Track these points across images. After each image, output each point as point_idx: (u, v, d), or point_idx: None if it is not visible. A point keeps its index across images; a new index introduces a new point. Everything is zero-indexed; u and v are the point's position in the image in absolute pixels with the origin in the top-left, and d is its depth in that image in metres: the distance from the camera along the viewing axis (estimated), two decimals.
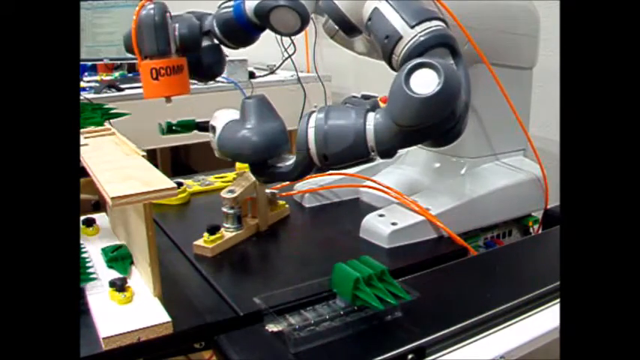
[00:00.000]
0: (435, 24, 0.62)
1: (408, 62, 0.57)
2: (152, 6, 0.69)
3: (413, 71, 0.56)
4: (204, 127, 0.75)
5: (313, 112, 0.62)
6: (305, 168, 0.63)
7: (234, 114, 0.68)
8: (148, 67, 0.70)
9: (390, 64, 0.65)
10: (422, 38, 0.61)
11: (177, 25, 0.72)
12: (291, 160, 0.65)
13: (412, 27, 0.61)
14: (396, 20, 0.62)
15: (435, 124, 0.57)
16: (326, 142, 0.59)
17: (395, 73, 0.59)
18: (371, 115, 0.60)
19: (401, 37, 0.62)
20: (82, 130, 0.78)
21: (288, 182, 0.86)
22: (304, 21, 0.70)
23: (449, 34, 0.62)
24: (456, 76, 0.56)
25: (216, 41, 0.79)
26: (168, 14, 0.70)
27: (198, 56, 0.76)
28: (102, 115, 0.87)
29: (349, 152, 0.60)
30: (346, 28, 0.68)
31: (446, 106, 0.56)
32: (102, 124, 0.81)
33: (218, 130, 0.68)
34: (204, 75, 0.80)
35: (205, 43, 0.77)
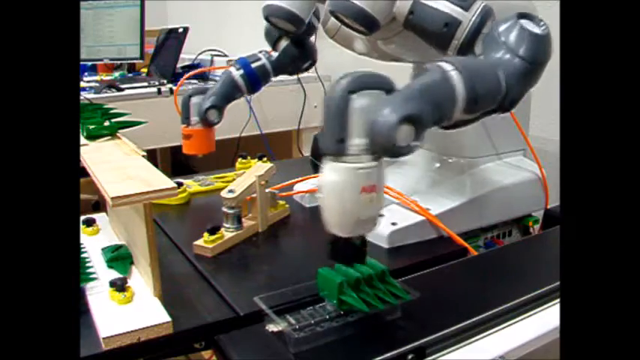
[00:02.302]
0: (480, 1, 0.65)
1: (508, 17, 0.63)
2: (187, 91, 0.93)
3: (520, 19, 0.62)
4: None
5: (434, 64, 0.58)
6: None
7: None
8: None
9: (444, 50, 0.66)
10: (479, 18, 0.64)
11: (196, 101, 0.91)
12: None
13: (467, 10, 0.64)
14: (448, 7, 0.64)
15: (546, 60, 0.62)
16: (474, 83, 0.56)
17: (409, 70, 0.61)
18: (494, 60, 0.62)
19: (459, 22, 0.64)
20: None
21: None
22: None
23: (491, 8, 0.66)
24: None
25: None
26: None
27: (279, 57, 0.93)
28: (102, 115, 0.87)
29: (492, 95, 0.59)
30: (368, 24, 0.68)
31: (550, 46, 0.62)
32: (102, 124, 0.81)
33: None
34: (292, 71, 0.98)
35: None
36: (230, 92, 0.92)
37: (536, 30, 0.61)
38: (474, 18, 0.64)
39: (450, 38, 0.65)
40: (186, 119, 0.93)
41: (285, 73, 0.98)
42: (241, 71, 0.91)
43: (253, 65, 0.92)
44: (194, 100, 0.92)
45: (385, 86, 0.54)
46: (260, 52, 0.94)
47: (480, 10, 0.64)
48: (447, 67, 0.57)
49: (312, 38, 0.95)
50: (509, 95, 0.61)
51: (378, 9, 0.67)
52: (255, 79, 0.92)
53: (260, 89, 0.95)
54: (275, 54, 0.93)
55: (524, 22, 0.62)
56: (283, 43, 0.92)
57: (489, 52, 0.63)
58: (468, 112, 0.58)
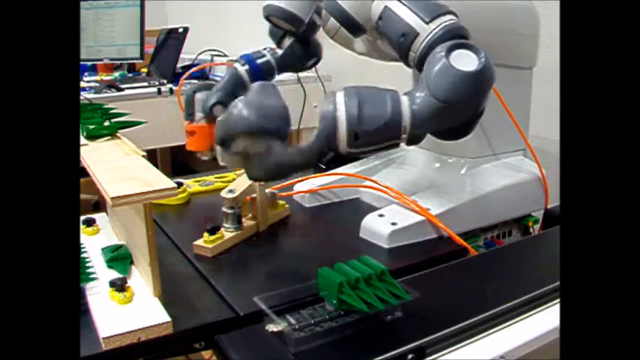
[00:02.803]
0: (448, 18, 0.63)
1: (445, 43, 0.59)
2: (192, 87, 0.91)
3: (451, 51, 0.58)
4: None
5: (335, 92, 0.58)
6: (318, 155, 0.58)
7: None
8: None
9: (406, 61, 0.66)
10: (438, 33, 0.62)
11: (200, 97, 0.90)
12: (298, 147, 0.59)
13: (428, 23, 0.63)
14: (410, 17, 0.63)
15: (472, 103, 0.58)
16: (360, 116, 0.55)
17: (409, 70, 0.61)
18: (404, 97, 0.60)
19: (418, 34, 0.63)
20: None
21: (290, 180, 0.85)
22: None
23: (462, 27, 0.64)
24: (490, 58, 0.58)
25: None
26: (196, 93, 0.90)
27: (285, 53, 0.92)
28: (102, 115, 0.87)
29: (383, 131, 0.56)
30: (351, 28, 0.68)
31: (486, 84, 0.58)
32: (102, 124, 0.82)
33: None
34: (296, 68, 0.97)
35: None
36: (236, 88, 0.91)
37: (462, 67, 0.57)
38: (432, 33, 0.62)
39: (407, 49, 0.64)
40: (190, 115, 0.92)
41: (289, 70, 0.98)
42: (246, 67, 0.91)
43: (258, 61, 0.92)
44: (198, 96, 0.91)
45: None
46: (264, 49, 0.94)
47: (442, 26, 0.62)
48: (339, 96, 0.57)
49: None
50: (415, 130, 0.58)
51: (356, 11, 0.67)
52: (260, 74, 0.92)
53: None
54: (279, 51, 0.93)
55: (457, 53, 0.58)
56: (287, 41, 0.92)
57: (418, 81, 0.59)
58: (355, 146, 0.57)
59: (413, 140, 0.59)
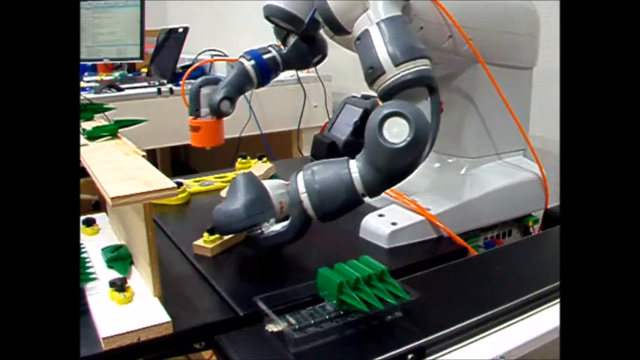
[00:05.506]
0: (420, 63, 0.63)
1: (381, 108, 0.61)
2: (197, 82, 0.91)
3: (386, 119, 0.60)
4: None
5: (298, 173, 0.66)
6: (302, 226, 0.67)
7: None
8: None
9: (370, 88, 0.66)
10: (404, 78, 0.62)
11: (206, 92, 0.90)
12: (279, 225, 0.69)
13: (397, 65, 0.62)
14: (382, 53, 0.63)
15: (410, 166, 0.62)
16: (322, 204, 0.64)
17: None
18: (353, 164, 0.64)
19: (384, 72, 0.63)
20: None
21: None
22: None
23: (430, 75, 0.64)
24: (425, 125, 0.61)
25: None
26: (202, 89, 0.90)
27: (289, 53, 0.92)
28: (93, 112, 0.88)
29: (345, 205, 0.64)
30: (334, 28, 0.68)
31: (416, 152, 0.61)
32: (92, 119, 0.83)
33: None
34: (301, 65, 0.97)
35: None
36: (242, 83, 0.91)
37: (395, 139, 0.59)
38: (398, 76, 0.62)
39: (372, 81, 0.65)
40: (195, 110, 0.91)
41: (295, 67, 0.98)
42: (253, 62, 0.90)
43: (265, 57, 0.91)
44: (204, 90, 0.90)
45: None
46: (270, 45, 0.93)
47: (409, 70, 0.62)
48: (301, 186, 0.65)
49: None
50: (369, 194, 0.64)
51: (341, 13, 0.67)
52: (266, 69, 0.91)
53: (269, 82, 0.94)
54: (285, 49, 0.93)
55: (391, 122, 0.60)
56: (292, 39, 0.91)
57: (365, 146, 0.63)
58: (326, 220, 0.66)
59: (375, 195, 0.65)
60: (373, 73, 0.63)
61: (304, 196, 0.64)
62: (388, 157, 0.60)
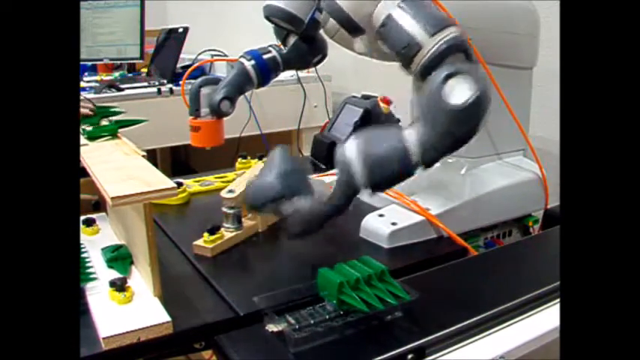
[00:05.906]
0: (452, 30, 0.63)
1: (439, 71, 0.59)
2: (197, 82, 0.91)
3: (447, 80, 0.58)
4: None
5: (349, 138, 0.62)
6: (348, 198, 0.63)
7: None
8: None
9: (407, 69, 0.66)
10: (441, 48, 0.62)
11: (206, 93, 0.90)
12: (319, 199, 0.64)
13: (432, 36, 0.63)
14: (413, 29, 0.63)
15: (474, 127, 0.59)
16: (373, 174, 0.60)
17: (407, 76, 0.63)
18: (410, 133, 0.61)
19: (421, 47, 0.63)
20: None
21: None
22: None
23: (465, 40, 0.64)
24: (486, 83, 0.59)
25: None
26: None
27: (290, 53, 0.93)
28: (100, 115, 0.87)
29: (398, 176, 0.61)
30: (350, 29, 0.68)
31: (481, 111, 0.58)
32: (98, 123, 0.82)
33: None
34: (301, 65, 0.98)
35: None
36: (242, 83, 0.91)
37: (458, 100, 0.58)
38: (436, 46, 0.62)
39: (409, 60, 0.64)
40: (195, 110, 0.91)
41: (295, 67, 0.98)
42: (253, 62, 0.91)
43: (265, 57, 0.91)
44: (204, 90, 0.90)
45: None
46: (270, 45, 0.93)
47: (445, 39, 0.62)
48: (352, 151, 0.60)
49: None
50: (425, 162, 0.61)
51: (354, 12, 0.67)
52: (266, 69, 0.91)
53: (269, 82, 0.94)
54: (285, 49, 0.93)
55: (453, 82, 0.58)
56: (292, 39, 0.91)
57: (419, 108, 0.61)
58: (375, 191, 0.62)
59: (429, 166, 0.62)
60: (410, 51, 0.63)
61: (356, 161, 0.60)
62: (452, 119, 0.58)
